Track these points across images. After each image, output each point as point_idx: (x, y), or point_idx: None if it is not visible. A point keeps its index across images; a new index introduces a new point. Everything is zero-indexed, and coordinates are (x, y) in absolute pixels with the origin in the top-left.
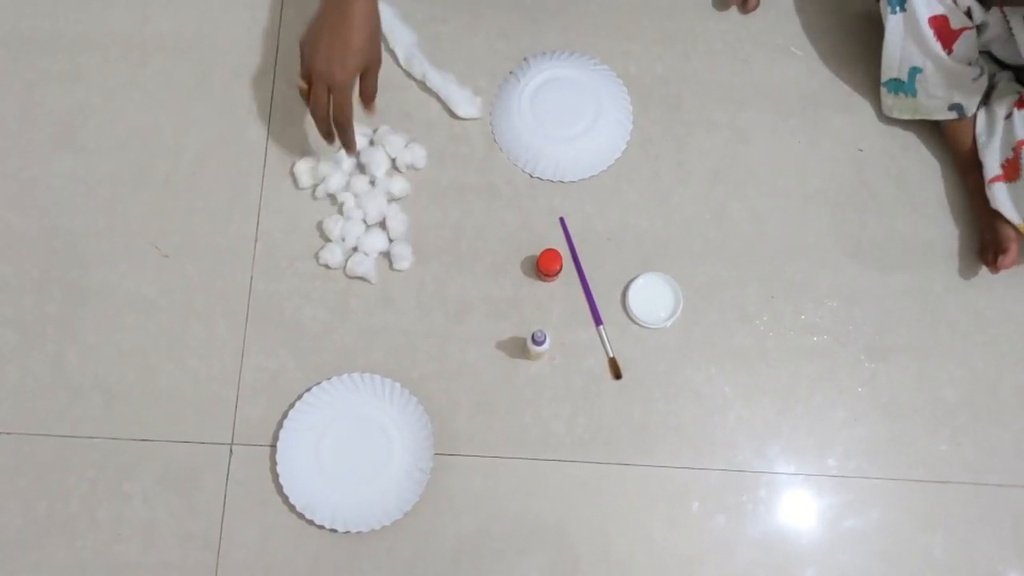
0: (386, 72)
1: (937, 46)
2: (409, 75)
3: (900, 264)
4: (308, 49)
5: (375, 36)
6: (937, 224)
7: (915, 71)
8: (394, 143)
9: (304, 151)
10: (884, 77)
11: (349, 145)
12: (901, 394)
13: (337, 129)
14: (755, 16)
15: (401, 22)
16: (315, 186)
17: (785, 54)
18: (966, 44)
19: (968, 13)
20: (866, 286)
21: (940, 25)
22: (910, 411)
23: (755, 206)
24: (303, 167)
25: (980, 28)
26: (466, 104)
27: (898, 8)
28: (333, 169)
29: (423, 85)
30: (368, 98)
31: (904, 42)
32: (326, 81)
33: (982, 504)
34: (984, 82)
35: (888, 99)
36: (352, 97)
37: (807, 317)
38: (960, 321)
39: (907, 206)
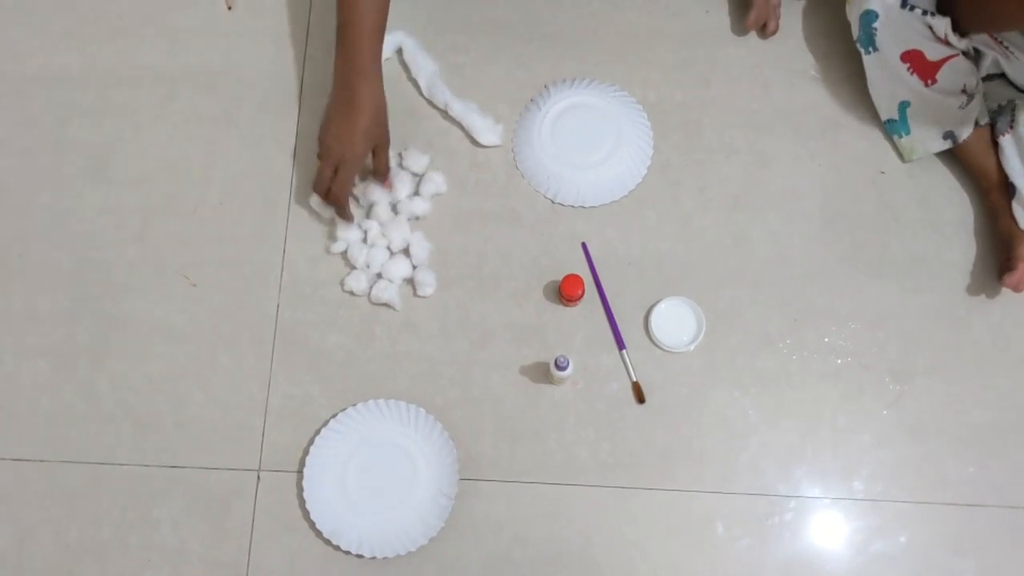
0: (409, 101)
1: (914, 80)
2: (432, 104)
3: (923, 285)
4: (321, 131)
5: (381, 119)
6: (960, 244)
7: (904, 105)
8: (417, 161)
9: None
10: (882, 118)
11: (344, 217)
12: (927, 416)
13: (333, 204)
14: (774, 41)
15: (423, 52)
16: (332, 219)
17: (804, 78)
18: (952, 73)
19: (947, 41)
20: (889, 308)
21: (915, 59)
22: (936, 433)
23: (776, 230)
24: (318, 199)
25: (978, 55)
26: (488, 132)
27: (870, 48)
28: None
29: (445, 114)
30: (382, 174)
31: (884, 80)
32: (335, 160)
33: (1014, 527)
34: (975, 107)
35: (897, 144)
36: (354, 176)
37: (830, 340)
38: (984, 341)
39: (929, 227)
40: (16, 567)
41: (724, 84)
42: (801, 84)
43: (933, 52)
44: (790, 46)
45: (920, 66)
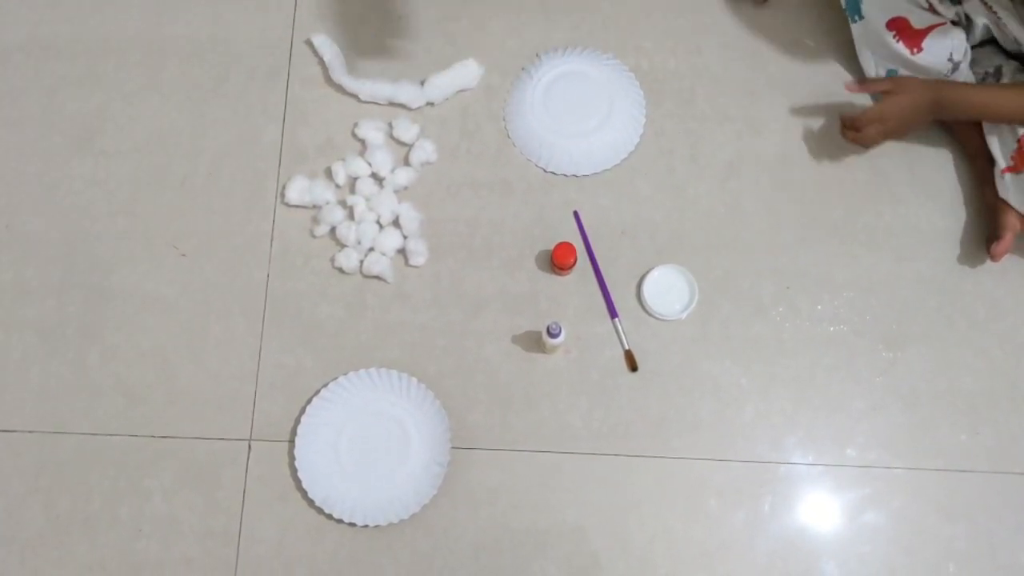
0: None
1: (900, 48)
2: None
3: (916, 253)
4: None
5: None
6: (952, 212)
7: (891, 73)
8: (407, 130)
9: (297, 170)
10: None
11: None
12: (920, 383)
13: None
14: (767, 9)
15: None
16: (313, 204)
17: (797, 46)
18: (938, 41)
19: (932, 9)
20: (882, 276)
21: (901, 27)
22: (929, 400)
23: (769, 198)
24: (295, 186)
25: (969, 22)
26: (413, 95)
27: (856, 16)
28: (326, 191)
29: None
30: None
31: (872, 49)
32: None
33: (1004, 493)
34: (960, 77)
35: None
36: None
37: (823, 307)
38: (977, 309)
39: (921, 195)
40: (6, 538)
41: (717, 52)
42: (794, 52)
43: (919, 20)
44: (783, 14)
45: (906, 34)
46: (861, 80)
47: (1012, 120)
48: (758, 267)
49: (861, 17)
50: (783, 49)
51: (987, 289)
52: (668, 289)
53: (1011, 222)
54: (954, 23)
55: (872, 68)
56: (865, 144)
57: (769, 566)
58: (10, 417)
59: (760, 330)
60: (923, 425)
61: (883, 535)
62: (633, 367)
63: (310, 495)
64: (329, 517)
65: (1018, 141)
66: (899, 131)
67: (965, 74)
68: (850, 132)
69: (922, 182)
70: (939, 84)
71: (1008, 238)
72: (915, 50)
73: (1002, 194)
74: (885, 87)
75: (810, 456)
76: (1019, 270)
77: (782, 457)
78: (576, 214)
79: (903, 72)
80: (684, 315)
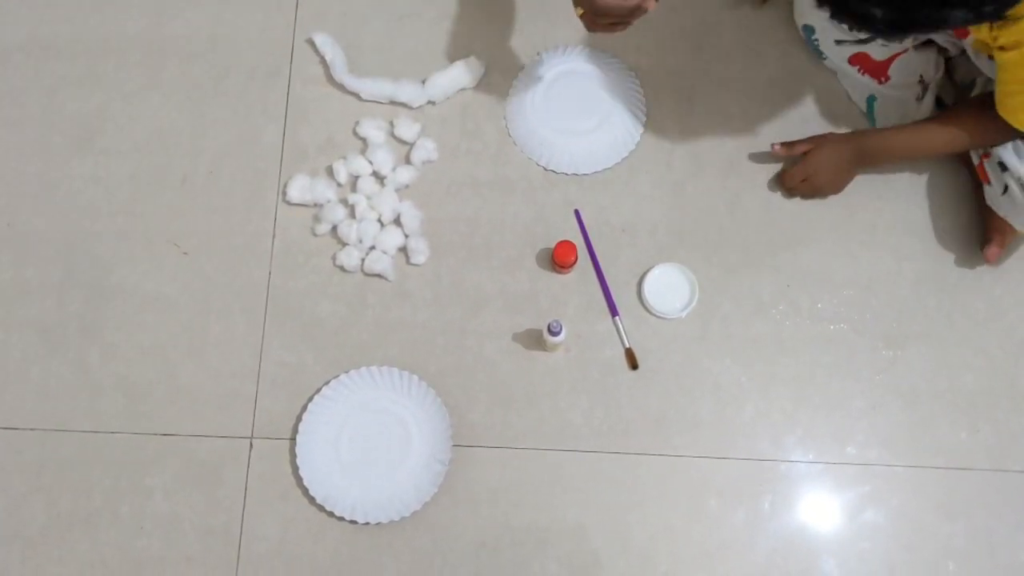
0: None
1: (867, 80)
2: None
3: (916, 252)
4: None
5: None
6: (952, 211)
7: (871, 99)
8: (408, 129)
9: (298, 169)
10: (861, 109)
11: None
12: (920, 381)
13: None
14: (767, 9)
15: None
16: (315, 203)
17: (797, 46)
18: (905, 66)
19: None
20: (882, 274)
21: (863, 61)
22: (929, 398)
23: (769, 196)
24: (297, 185)
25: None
26: (414, 94)
27: (821, 56)
28: (327, 190)
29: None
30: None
31: (846, 80)
32: (590, 6)
33: (1004, 491)
34: (930, 100)
35: None
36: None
37: (823, 306)
38: (977, 308)
39: (921, 194)
40: (8, 536)
41: (717, 51)
42: (793, 51)
43: (878, 52)
44: (783, 14)
45: (869, 67)
46: (785, 144)
47: (938, 153)
48: (758, 265)
49: (825, 56)
50: (783, 48)
51: (986, 288)
52: (668, 287)
53: (999, 226)
54: (925, 43)
55: (856, 96)
56: (803, 197)
57: (769, 564)
58: (11, 415)
59: (760, 328)
60: (923, 423)
61: (883, 533)
62: (633, 365)
63: (311, 493)
64: (330, 515)
65: (980, 157)
66: (830, 185)
67: (934, 95)
68: (784, 187)
69: (922, 181)
70: (859, 135)
71: (996, 241)
72: (883, 79)
73: (988, 201)
74: (807, 147)
75: (810, 454)
76: (1019, 270)
77: (782, 455)
78: (577, 212)
79: (880, 99)
80: (684, 313)
